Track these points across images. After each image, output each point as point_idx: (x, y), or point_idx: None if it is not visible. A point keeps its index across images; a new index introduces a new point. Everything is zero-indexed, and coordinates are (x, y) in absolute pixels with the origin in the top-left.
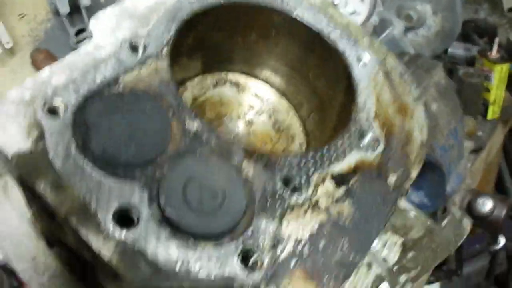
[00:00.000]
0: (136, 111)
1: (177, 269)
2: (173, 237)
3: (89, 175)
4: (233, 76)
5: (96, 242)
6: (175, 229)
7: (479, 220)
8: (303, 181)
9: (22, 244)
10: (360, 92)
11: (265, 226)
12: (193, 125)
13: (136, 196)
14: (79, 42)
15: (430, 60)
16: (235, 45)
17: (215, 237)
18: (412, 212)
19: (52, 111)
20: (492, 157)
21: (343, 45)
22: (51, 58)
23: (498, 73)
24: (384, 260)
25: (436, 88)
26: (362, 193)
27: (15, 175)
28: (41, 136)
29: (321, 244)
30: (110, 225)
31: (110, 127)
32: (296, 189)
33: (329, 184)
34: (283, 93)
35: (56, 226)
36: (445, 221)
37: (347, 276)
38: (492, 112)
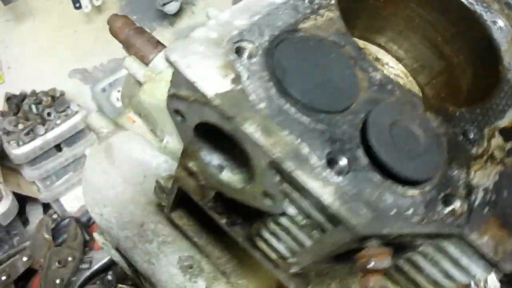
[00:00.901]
0: (322, 57)
1: (393, 214)
2: (384, 182)
3: (295, 119)
4: None
5: (317, 187)
6: (386, 174)
7: None
8: (478, 134)
9: (127, 210)
10: (503, 54)
11: (458, 175)
12: (377, 75)
13: (346, 140)
14: (165, 4)
15: None
16: (362, 8)
17: (419, 183)
18: None
19: (243, 53)
20: None
21: (478, 8)
22: (130, 25)
23: None
24: None
25: None
26: None
27: (214, 118)
28: (236, 78)
29: (505, 193)
30: (326, 170)
31: (303, 71)
32: (474, 141)
33: (499, 138)
34: (400, 59)
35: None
36: None
37: None
38: None
